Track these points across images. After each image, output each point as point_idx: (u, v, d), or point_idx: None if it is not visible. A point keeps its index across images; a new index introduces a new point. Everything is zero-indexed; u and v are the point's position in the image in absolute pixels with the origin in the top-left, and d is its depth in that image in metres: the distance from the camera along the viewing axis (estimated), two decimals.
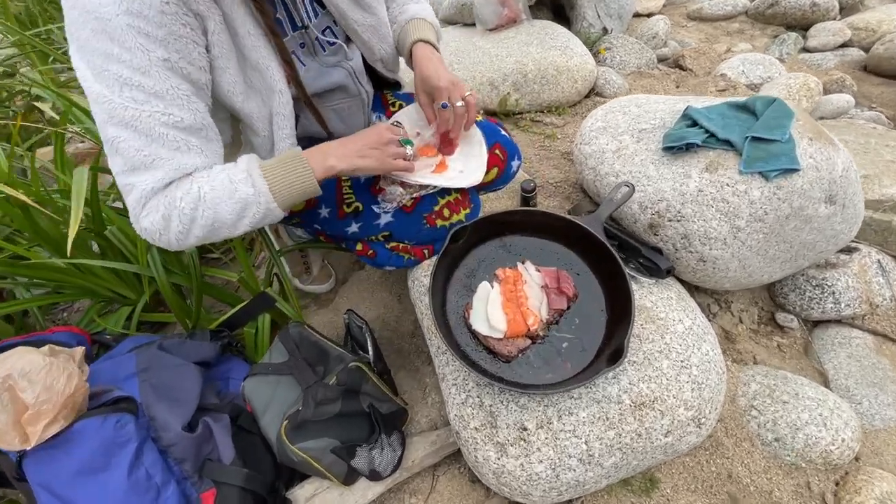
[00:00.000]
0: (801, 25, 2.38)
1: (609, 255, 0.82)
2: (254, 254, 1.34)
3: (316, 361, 0.95)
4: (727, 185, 0.86)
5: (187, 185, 0.63)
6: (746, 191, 0.85)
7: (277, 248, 1.19)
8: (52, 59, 1.52)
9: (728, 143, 0.89)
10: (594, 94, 1.83)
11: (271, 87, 0.69)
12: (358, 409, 0.90)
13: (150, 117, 0.59)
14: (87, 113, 1.05)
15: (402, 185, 0.85)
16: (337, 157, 0.72)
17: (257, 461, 0.92)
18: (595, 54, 2.00)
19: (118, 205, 1.16)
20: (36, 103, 1.07)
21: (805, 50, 2.25)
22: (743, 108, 0.93)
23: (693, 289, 1.11)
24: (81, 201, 0.76)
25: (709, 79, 1.92)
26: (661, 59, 2.17)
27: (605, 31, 2.16)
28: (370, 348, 0.94)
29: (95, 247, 1.11)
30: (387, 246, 0.95)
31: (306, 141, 0.90)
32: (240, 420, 0.94)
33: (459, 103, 0.83)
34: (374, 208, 0.88)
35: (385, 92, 1.07)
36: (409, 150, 0.80)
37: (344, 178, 0.93)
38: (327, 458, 0.85)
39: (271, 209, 0.67)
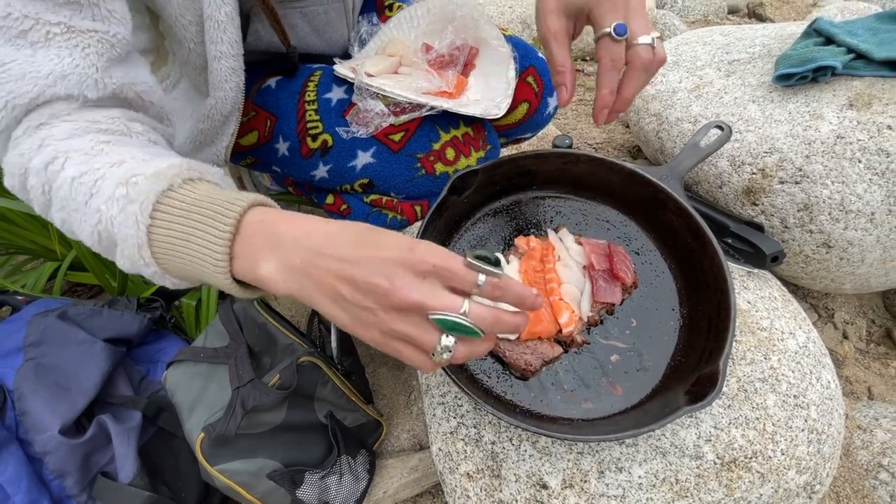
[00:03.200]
0: None
1: (691, 227, 0.53)
2: None
3: (263, 350, 0.71)
4: (889, 127, 0.55)
5: (46, 150, 0.36)
6: None
7: None
8: None
9: (889, 66, 0.57)
10: None
11: None
12: (311, 421, 0.66)
13: None
14: None
15: (386, 102, 0.58)
16: (284, 265, 0.32)
17: (179, 476, 0.69)
18: None
19: None
20: None
21: None
22: None
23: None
24: None
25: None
26: (733, 11, 1.80)
27: None
28: (334, 338, 0.68)
29: None
30: (365, 199, 0.69)
31: (259, 55, 0.64)
32: (161, 419, 0.70)
33: (644, 39, 0.41)
34: (342, 132, 0.61)
35: None
36: (482, 288, 0.31)
37: (308, 97, 0.66)
38: (262, 485, 0.61)
39: (151, 274, 0.36)
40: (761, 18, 1.67)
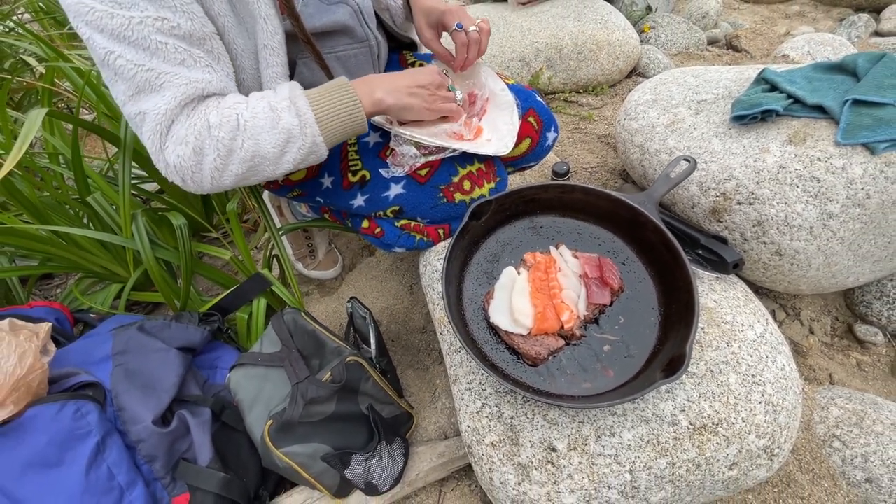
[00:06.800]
0: (873, 7, 2.13)
1: (665, 242, 0.67)
2: (258, 234, 1.24)
3: (312, 353, 0.84)
4: (819, 159, 0.69)
5: (225, 112, 0.57)
6: (844, 167, 0.68)
7: (279, 226, 1.08)
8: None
9: (819, 110, 0.72)
10: (636, 74, 1.66)
11: (254, 13, 0.58)
12: (355, 412, 0.78)
13: (142, 24, 0.52)
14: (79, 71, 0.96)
15: (417, 146, 0.72)
16: (385, 90, 0.66)
17: (240, 464, 0.81)
18: (638, 33, 1.82)
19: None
20: (24, 57, 0.98)
21: (877, 34, 2.01)
22: (837, 68, 0.75)
23: (754, 291, 0.93)
24: (26, 142, 0.66)
25: (768, 61, 1.71)
26: (712, 42, 1.97)
27: (648, 9, 1.98)
28: (373, 342, 0.81)
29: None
30: (396, 224, 0.82)
31: None
32: (224, 415, 0.82)
33: (472, 28, 0.76)
34: (383, 172, 0.75)
35: (404, 52, 0.94)
36: (458, 95, 0.75)
37: (350, 140, 0.80)
38: (317, 466, 0.73)
39: (317, 143, 0.61)
40: (737, 49, 1.84)
